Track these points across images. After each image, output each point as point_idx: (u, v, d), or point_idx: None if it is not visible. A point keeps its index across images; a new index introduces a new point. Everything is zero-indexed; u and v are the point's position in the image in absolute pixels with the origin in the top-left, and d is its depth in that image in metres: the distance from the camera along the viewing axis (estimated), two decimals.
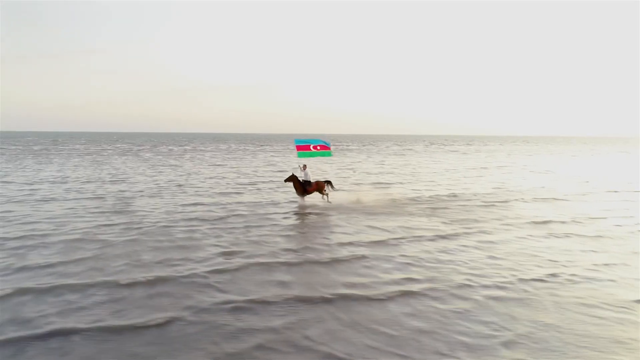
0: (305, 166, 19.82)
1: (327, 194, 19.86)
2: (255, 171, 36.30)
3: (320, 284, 9.51)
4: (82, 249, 11.87)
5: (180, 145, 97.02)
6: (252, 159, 53.21)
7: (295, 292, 8.95)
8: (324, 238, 13.51)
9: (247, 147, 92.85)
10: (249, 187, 25.66)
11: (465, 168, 41.65)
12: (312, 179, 20.22)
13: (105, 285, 9.18)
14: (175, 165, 41.93)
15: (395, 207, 18.98)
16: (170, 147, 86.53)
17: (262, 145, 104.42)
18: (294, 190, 20.08)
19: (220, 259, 11.14)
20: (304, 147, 20.33)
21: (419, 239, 13.49)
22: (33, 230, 14.04)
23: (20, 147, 76.29)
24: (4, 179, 28.14)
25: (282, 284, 9.45)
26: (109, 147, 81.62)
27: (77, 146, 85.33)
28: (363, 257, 11.48)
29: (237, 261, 10.95)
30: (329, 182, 20.34)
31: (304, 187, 19.35)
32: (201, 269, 10.33)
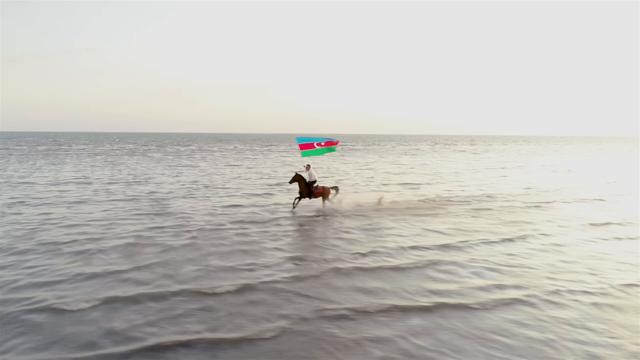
0: (309, 166, 18.74)
1: (330, 201, 18.65)
2: (275, 171, 35.87)
3: (408, 291, 9.13)
4: (144, 254, 11.47)
5: (186, 145, 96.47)
6: (264, 159, 52.82)
7: (390, 300, 8.57)
8: (383, 241, 13.13)
9: (253, 147, 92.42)
10: (277, 188, 25.27)
11: (484, 168, 41.35)
12: (318, 181, 19.25)
13: (189, 293, 8.78)
14: (191, 166, 41.49)
15: (437, 208, 18.64)
16: (176, 147, 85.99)
17: (267, 145, 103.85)
18: (298, 192, 18.86)
19: (291, 265, 10.76)
20: (307, 145, 19.19)
21: (483, 242, 13.13)
22: (83, 233, 13.63)
23: (25, 148, 75.61)
24: (26, 180, 27.66)
25: (370, 291, 9.06)
26: (114, 148, 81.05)
27: (81, 146, 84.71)
28: (436, 262, 11.11)
29: (310, 266, 10.58)
30: (335, 188, 19.29)
31: (309, 188, 18.33)
32: (278, 274, 9.95)
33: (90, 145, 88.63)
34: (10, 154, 56.30)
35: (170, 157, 54.48)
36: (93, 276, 9.73)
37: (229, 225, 15.06)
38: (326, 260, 11.11)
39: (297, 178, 18.32)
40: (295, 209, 18.08)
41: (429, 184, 27.86)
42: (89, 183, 26.55)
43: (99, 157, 52.39)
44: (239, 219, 16.18)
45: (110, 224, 15.09)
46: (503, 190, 24.96)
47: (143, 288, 9.03)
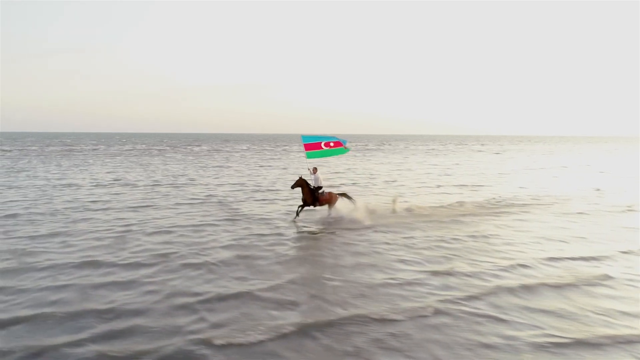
0: (315, 169, 16.39)
1: (354, 205, 16.43)
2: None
3: (622, 315, 7.89)
4: (266, 267, 10.25)
5: (197, 146, 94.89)
6: (288, 159, 51.62)
7: (625, 328, 7.34)
8: (527, 248, 11.95)
9: (264, 147, 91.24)
10: (334, 190, 24.00)
11: (523, 168, 40.14)
12: (324, 186, 16.82)
13: (367, 319, 7.49)
14: (221, 166, 40.27)
15: (523, 213, 17.38)
16: (188, 148, 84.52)
17: (278, 145, 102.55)
18: (301, 199, 16.21)
19: (438, 281, 9.50)
20: (313, 145, 16.82)
21: (625, 252, 11.95)
22: (178, 243, 12.33)
23: (35, 148, 74.01)
24: (65, 182, 26.25)
25: (586, 315, 7.83)
26: (126, 148, 79.43)
27: (90, 147, 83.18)
28: (600, 277, 9.90)
29: (477, 284, 9.28)
30: (344, 195, 16.89)
31: (314, 194, 15.96)
32: (440, 293, 8.74)
33: (99, 146, 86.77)
34: (26, 155, 54.80)
35: (191, 158, 53.18)
36: (238, 296, 8.47)
37: (327, 232, 13.93)
38: (492, 275, 9.85)
39: (301, 183, 15.95)
40: (299, 218, 15.95)
41: (486, 185, 26.69)
42: (134, 185, 25.26)
43: (119, 158, 51.04)
44: (327, 222, 15.17)
45: (197, 230, 13.86)
46: (569, 191, 23.81)
47: (323, 314, 7.70)
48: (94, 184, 25.34)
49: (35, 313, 7.60)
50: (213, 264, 10.44)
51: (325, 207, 16.40)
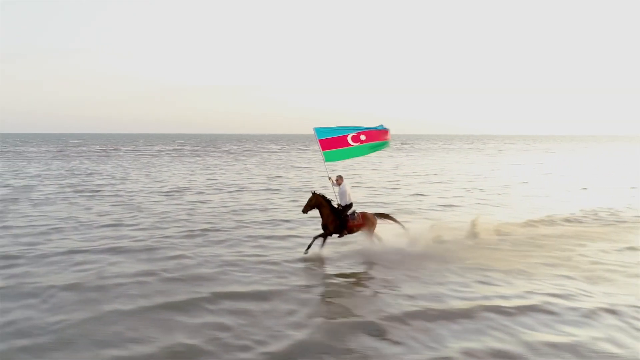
0: (340, 178, 11.34)
1: (376, 234, 11.44)
2: (372, 178, 32.78)
3: None
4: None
5: (215, 147, 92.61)
6: (317, 159, 50.52)
7: None
8: None
9: (267, 146, 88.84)
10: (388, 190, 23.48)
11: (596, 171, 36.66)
12: (355, 205, 11.38)
13: None
14: (309, 167, 39.17)
15: (621, 232, 14.15)
16: (206, 149, 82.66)
17: (283, 146, 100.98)
18: (321, 225, 11.31)
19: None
20: (334, 141, 11.47)
21: None
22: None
23: (53, 149, 73.12)
24: (151, 187, 24.95)
25: None
26: (148, 149, 78.17)
27: (96, 147, 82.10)
28: None
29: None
30: (385, 216, 11.93)
31: (339, 217, 11.04)
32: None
33: (106, 147, 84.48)
34: (56, 157, 53.83)
35: (225, 159, 52.07)
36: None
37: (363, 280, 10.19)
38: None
39: (317, 202, 10.96)
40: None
41: (532, 195, 22.15)
42: (219, 189, 24.38)
43: (153, 159, 50.15)
44: (369, 261, 10.99)
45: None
46: None
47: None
48: (180, 189, 23.81)
49: None
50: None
51: (355, 235, 11.54)
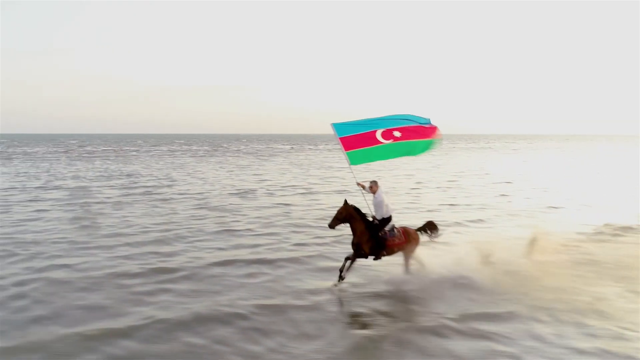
0: (374, 184, 9.12)
1: (413, 260, 9.36)
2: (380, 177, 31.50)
3: None
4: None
5: (224, 147, 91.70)
6: (342, 161, 49.76)
7: None
8: None
9: (275, 146, 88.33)
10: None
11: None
12: (393, 218, 9.18)
13: None
14: (290, 166, 38.66)
15: None
16: (222, 147, 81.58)
17: (294, 145, 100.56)
18: (351, 243, 9.20)
19: None
20: (359, 138, 9.22)
21: None
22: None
23: (60, 149, 71.77)
24: (188, 190, 24.06)
25: None
26: (156, 149, 77.07)
27: (101, 148, 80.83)
28: None
29: None
30: (428, 229, 9.58)
31: (375, 235, 8.93)
32: None
33: (115, 148, 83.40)
34: (82, 156, 52.60)
35: (250, 159, 51.23)
36: None
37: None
38: None
39: (349, 214, 8.92)
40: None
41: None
42: (285, 189, 23.76)
43: (169, 160, 49.17)
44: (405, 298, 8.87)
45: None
46: None
47: None
48: (223, 193, 22.69)
49: None
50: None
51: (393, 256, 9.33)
